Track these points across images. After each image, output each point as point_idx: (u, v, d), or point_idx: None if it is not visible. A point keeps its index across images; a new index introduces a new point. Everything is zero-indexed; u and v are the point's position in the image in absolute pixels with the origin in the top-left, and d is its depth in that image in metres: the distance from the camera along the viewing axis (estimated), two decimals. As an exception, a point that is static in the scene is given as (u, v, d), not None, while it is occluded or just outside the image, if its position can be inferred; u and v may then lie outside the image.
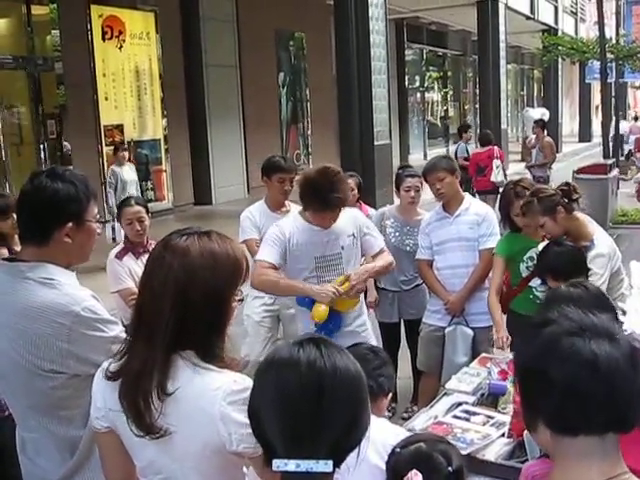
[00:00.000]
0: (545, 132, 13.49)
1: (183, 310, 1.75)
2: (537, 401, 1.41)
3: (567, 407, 1.36)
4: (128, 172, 10.04)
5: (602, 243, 3.92)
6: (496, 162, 11.33)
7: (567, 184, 4.12)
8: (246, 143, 16.04)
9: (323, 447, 1.30)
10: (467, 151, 12.66)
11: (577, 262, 3.65)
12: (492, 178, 11.15)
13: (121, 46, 13.02)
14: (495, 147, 11.87)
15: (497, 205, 5.73)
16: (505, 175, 11.44)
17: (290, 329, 4.94)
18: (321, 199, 3.68)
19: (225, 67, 15.27)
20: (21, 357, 2.18)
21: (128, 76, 13.26)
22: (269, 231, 3.96)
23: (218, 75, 14.93)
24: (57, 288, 2.18)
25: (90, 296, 2.23)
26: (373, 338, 4.23)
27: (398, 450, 2.02)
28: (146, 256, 4.27)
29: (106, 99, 12.71)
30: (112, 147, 12.74)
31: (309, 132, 18.97)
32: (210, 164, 14.89)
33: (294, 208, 4.96)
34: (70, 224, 2.23)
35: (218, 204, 14.88)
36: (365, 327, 4.15)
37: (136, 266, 4.30)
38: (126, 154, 10.28)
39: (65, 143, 12.36)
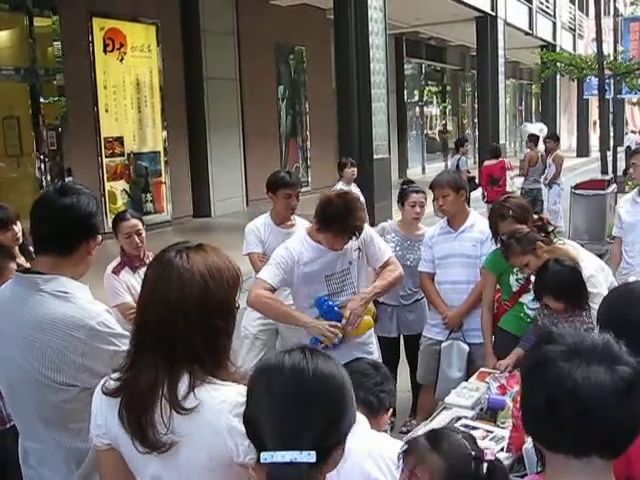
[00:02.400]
0: (538, 147, 13.73)
1: (192, 324, 1.77)
2: (525, 412, 1.48)
3: (544, 425, 1.42)
4: None
5: (589, 265, 3.94)
6: (510, 173, 12.09)
7: (540, 218, 4.20)
8: (245, 156, 16.06)
9: (307, 442, 1.37)
10: (466, 164, 12.96)
11: (578, 281, 3.66)
12: (508, 188, 11.81)
13: (122, 58, 13.07)
14: (505, 160, 12.44)
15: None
16: (528, 181, 12.63)
17: (288, 342, 4.95)
18: (342, 225, 3.71)
19: (225, 80, 15.32)
20: (33, 369, 2.20)
21: (129, 88, 13.30)
22: (277, 251, 3.94)
23: (218, 88, 14.98)
24: (72, 302, 2.22)
25: (105, 310, 2.27)
26: (377, 350, 4.27)
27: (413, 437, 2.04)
28: (144, 270, 4.30)
29: (106, 111, 12.75)
30: (112, 159, 12.84)
31: (308, 145, 19.01)
32: (209, 176, 14.92)
33: (299, 222, 5.01)
34: (99, 238, 2.32)
35: (217, 216, 14.88)
36: (372, 339, 4.19)
37: (134, 280, 4.29)
38: None
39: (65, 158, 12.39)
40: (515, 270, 4.29)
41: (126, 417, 1.78)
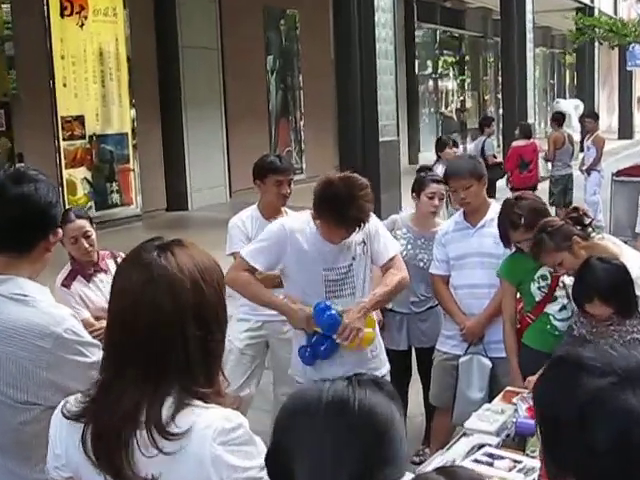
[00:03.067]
0: (564, 128, 13.86)
1: (189, 338, 1.77)
2: (570, 458, 1.42)
3: (611, 469, 1.37)
4: None
5: (634, 265, 3.93)
6: (542, 155, 12.49)
7: (575, 209, 4.22)
8: (228, 139, 16.06)
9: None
10: (493, 147, 13.07)
11: (629, 282, 3.66)
12: (542, 173, 12.37)
13: (82, 24, 13.03)
14: (535, 141, 12.75)
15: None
16: (554, 166, 12.79)
17: (281, 358, 4.95)
18: (339, 214, 3.70)
19: (204, 50, 15.31)
20: None
21: (90, 59, 13.27)
22: (272, 225, 4.03)
23: (196, 59, 14.96)
24: (33, 306, 2.22)
25: (70, 315, 2.26)
26: (385, 364, 4.25)
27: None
28: (100, 276, 4.27)
29: (64, 86, 12.72)
30: (71, 142, 12.81)
31: (302, 126, 19.01)
32: (186, 163, 14.92)
33: (292, 215, 5.00)
34: (59, 232, 2.32)
35: (195, 210, 14.90)
36: (378, 352, 4.18)
37: (88, 290, 4.27)
38: None
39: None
40: (536, 277, 4.30)
41: (93, 446, 1.76)
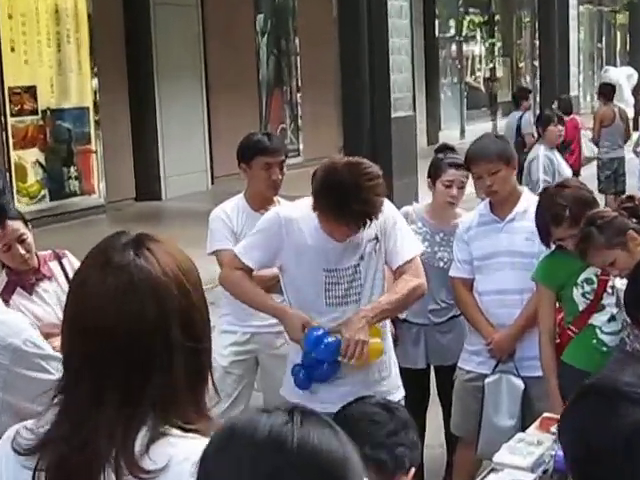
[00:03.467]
0: (614, 102, 13.87)
1: (177, 352, 1.77)
2: None
3: None
4: None
5: None
6: (586, 133, 12.56)
7: (630, 197, 4.22)
8: (210, 113, 16.08)
9: None
10: (531, 125, 13.12)
11: None
12: (587, 153, 12.42)
13: (34, -24, 13.08)
14: (576, 116, 12.89)
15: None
16: (598, 147, 12.79)
17: (273, 378, 4.95)
18: (339, 207, 3.70)
19: (181, 6, 15.34)
20: None
21: (44, 18, 13.28)
22: (267, 215, 4.09)
23: (171, 17, 15.00)
24: None
25: (29, 324, 2.27)
26: (399, 389, 4.26)
27: None
28: (44, 285, 4.23)
29: (12, 50, 12.74)
30: (21, 118, 12.80)
31: (299, 99, 19.03)
32: (159, 143, 14.96)
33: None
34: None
35: (169, 200, 14.95)
36: (389, 372, 4.18)
37: (32, 304, 4.22)
38: None
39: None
40: (580, 281, 4.30)
41: None
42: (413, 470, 2.69)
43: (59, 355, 2.24)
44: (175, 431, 1.78)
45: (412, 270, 4.10)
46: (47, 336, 3.71)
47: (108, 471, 1.73)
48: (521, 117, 13.57)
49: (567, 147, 12.11)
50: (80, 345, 1.84)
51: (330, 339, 3.80)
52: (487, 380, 4.71)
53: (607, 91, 13.91)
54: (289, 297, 4.10)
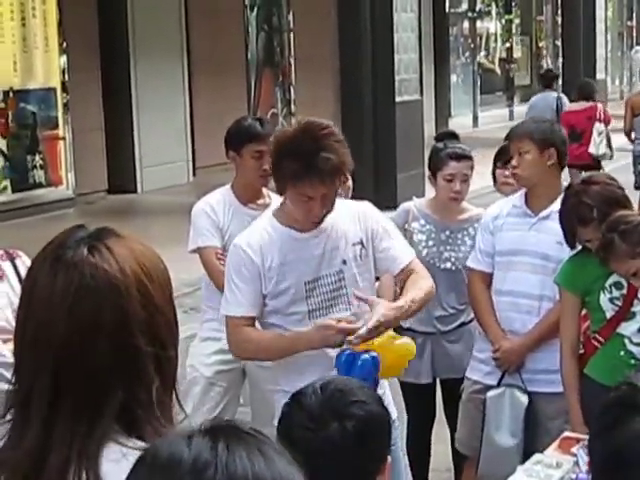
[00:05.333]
0: None
1: (134, 355, 1.78)
2: None
3: None
4: None
5: None
6: (599, 127, 12.26)
7: None
8: (192, 97, 16.10)
9: None
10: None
11: None
12: (590, 149, 12.11)
13: (-4, -61, 13.09)
14: (599, 105, 12.74)
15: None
16: (610, 146, 12.41)
17: (262, 390, 4.98)
18: (308, 162, 3.69)
19: (161, -24, 15.36)
20: None
21: (6, -13, 13.30)
22: (230, 257, 4.02)
23: (149, -12, 15.02)
24: None
25: None
26: (391, 407, 4.27)
27: None
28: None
29: (-29, 24, 12.76)
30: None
31: (292, 81, 19.05)
32: (134, 130, 14.99)
33: (276, 201, 5.03)
34: None
35: (146, 192, 14.99)
36: (381, 390, 4.20)
37: None
38: None
39: None
40: (608, 285, 4.30)
41: None
42: (389, 460, 2.68)
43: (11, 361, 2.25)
44: (142, 445, 1.76)
45: (419, 270, 4.11)
46: None
47: None
48: (558, 98, 13.69)
49: (578, 139, 12.08)
50: (29, 355, 1.84)
51: (363, 356, 3.77)
52: (489, 394, 4.72)
53: None
54: (266, 314, 4.07)
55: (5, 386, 2.22)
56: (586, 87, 13.43)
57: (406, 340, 4.03)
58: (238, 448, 1.34)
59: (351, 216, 3.99)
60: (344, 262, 3.95)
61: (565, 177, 5.61)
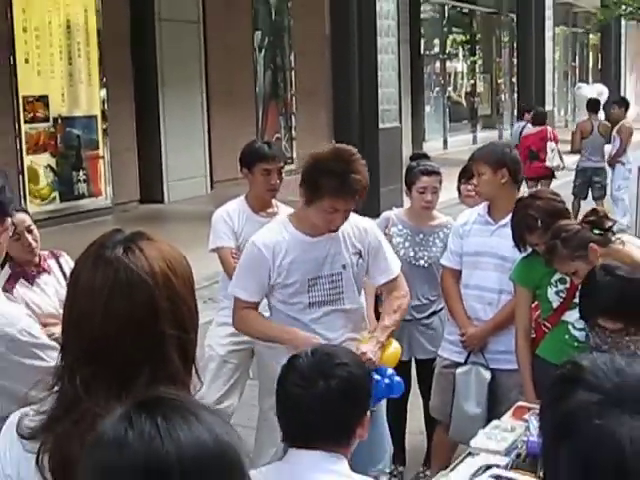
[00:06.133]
0: (599, 115, 14.03)
1: (166, 343, 1.78)
2: (550, 471, 1.44)
3: None
4: None
5: None
6: (550, 145, 12.65)
7: (594, 211, 4.21)
8: (210, 123, 16.05)
9: None
10: None
11: (637, 293, 3.66)
12: (547, 163, 12.57)
13: (48, -8, 13.06)
14: (548, 127, 13.14)
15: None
16: (561, 158, 12.77)
17: (268, 366, 4.96)
18: (343, 180, 3.69)
19: (185, 23, 15.31)
20: None
21: (56, 32, 13.26)
22: (246, 250, 4.02)
23: (175, 33, 14.97)
24: None
25: (26, 314, 2.27)
26: None
27: None
28: (43, 278, 4.23)
29: (27, 62, 12.71)
30: (33, 125, 12.78)
31: (293, 110, 19.01)
32: (162, 150, 14.92)
33: (283, 209, 5.05)
34: (8, 220, 2.32)
35: (172, 202, 14.92)
36: None
37: (33, 294, 4.21)
38: None
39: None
40: (554, 280, 4.30)
41: (53, 469, 1.75)
42: (368, 415, 2.68)
43: (54, 344, 2.23)
44: None
45: (399, 287, 4.19)
46: (45, 325, 3.73)
47: None
48: (524, 127, 13.99)
49: (536, 157, 12.60)
50: (74, 337, 1.84)
51: (395, 379, 3.90)
52: (458, 370, 4.73)
53: (594, 106, 14.00)
54: (274, 300, 4.09)
55: (39, 363, 2.20)
56: (539, 115, 13.69)
57: (395, 346, 4.07)
58: (175, 416, 1.30)
59: (356, 229, 3.99)
60: (344, 267, 3.96)
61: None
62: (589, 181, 13.07)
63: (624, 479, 1.31)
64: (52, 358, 2.18)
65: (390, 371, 3.95)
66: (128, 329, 1.76)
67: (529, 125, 13.84)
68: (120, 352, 1.76)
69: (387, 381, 3.90)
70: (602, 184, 13.14)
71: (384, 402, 4.28)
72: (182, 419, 1.30)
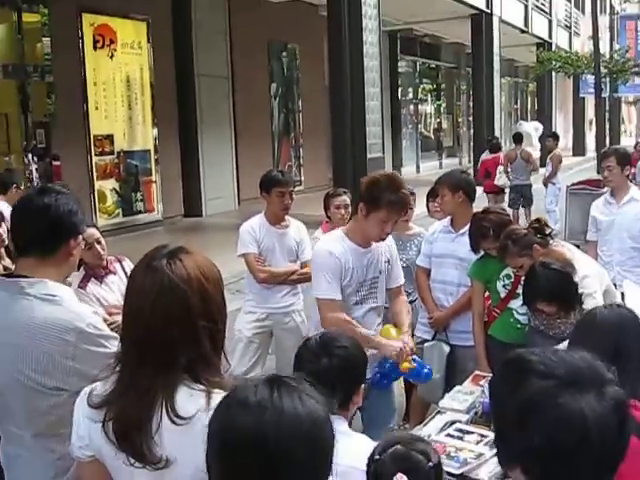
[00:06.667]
0: (524, 146, 14.28)
1: (199, 333, 1.77)
2: (514, 453, 1.38)
3: (551, 470, 1.32)
4: None
5: (583, 266, 3.93)
6: (500, 168, 13.03)
7: (537, 220, 4.19)
8: (237, 154, 16.06)
9: None
10: None
11: (568, 282, 3.66)
12: (495, 181, 12.96)
13: (112, 55, 13.05)
14: (501, 154, 13.54)
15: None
16: (509, 178, 13.14)
17: (283, 345, 4.96)
18: (398, 197, 3.63)
19: (217, 77, 15.31)
20: (22, 374, 2.19)
21: (119, 85, 13.28)
22: (321, 258, 3.77)
23: (210, 85, 14.97)
24: (60, 304, 2.22)
25: (92, 312, 2.27)
26: None
27: (377, 457, 2.05)
28: (110, 278, 4.24)
29: (96, 108, 12.73)
30: (102, 157, 12.81)
31: (301, 144, 19.01)
32: (200, 175, 14.91)
33: (293, 222, 5.05)
34: (80, 237, 2.31)
35: (208, 216, 14.88)
36: None
37: (102, 290, 4.21)
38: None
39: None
40: (502, 276, 4.29)
41: (115, 430, 1.75)
42: (362, 388, 2.65)
43: (115, 334, 2.23)
44: (203, 387, 1.77)
45: (402, 292, 4.14)
46: (110, 314, 3.72)
47: (157, 418, 1.73)
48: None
49: (490, 176, 13.07)
50: (129, 329, 1.84)
51: (389, 364, 3.75)
52: (425, 345, 4.70)
53: (517, 138, 14.14)
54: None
55: (103, 350, 2.18)
56: (494, 145, 14.13)
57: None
58: (285, 393, 1.39)
59: (385, 243, 3.89)
60: (380, 272, 3.87)
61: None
62: (520, 195, 13.24)
63: (589, 447, 1.28)
64: (114, 346, 2.18)
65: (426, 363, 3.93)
66: (169, 322, 1.76)
67: (487, 152, 14.01)
68: (162, 341, 1.76)
69: (426, 370, 3.84)
70: (528, 196, 13.33)
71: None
72: (289, 396, 1.39)
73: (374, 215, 3.65)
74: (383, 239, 3.81)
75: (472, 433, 3.10)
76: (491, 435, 3.09)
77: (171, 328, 1.75)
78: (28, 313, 2.20)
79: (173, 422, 1.72)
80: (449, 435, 3.10)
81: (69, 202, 2.33)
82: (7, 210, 6.33)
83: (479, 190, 13.36)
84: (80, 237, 2.35)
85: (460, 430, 3.14)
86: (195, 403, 1.74)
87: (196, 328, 1.76)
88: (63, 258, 2.32)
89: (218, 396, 1.75)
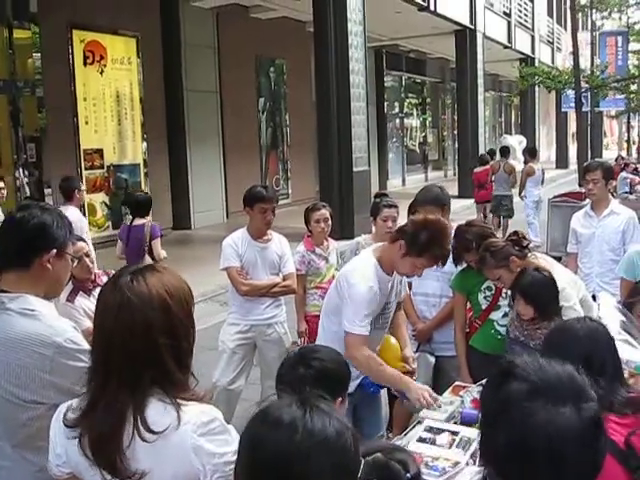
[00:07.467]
0: (509, 159, 14.73)
1: (160, 349, 1.77)
2: (487, 453, 1.44)
3: (508, 469, 1.38)
4: None
5: (561, 278, 3.94)
6: (494, 177, 13.98)
7: (515, 233, 4.18)
8: (225, 168, 16.07)
9: None
10: None
11: (551, 288, 3.70)
12: (494, 192, 13.89)
13: (102, 71, 13.05)
14: (490, 167, 14.24)
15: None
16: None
17: (266, 356, 4.97)
18: (440, 253, 3.53)
19: (205, 92, 15.33)
20: (1, 388, 2.20)
21: (109, 100, 13.29)
22: (363, 294, 3.58)
23: (198, 100, 14.99)
24: (39, 319, 2.22)
25: (71, 327, 2.27)
26: None
27: None
28: (98, 290, 4.20)
29: (86, 123, 12.72)
30: (92, 171, 12.79)
31: (288, 157, 19.04)
32: (189, 189, 14.91)
33: (275, 236, 5.04)
34: (53, 251, 2.30)
35: (197, 229, 14.87)
36: None
37: (90, 303, 4.18)
38: None
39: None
40: (483, 288, 4.29)
41: (90, 446, 1.76)
42: (341, 400, 2.64)
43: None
44: (177, 401, 1.78)
45: (401, 306, 4.18)
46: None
47: (130, 433, 1.73)
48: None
49: (482, 186, 14.04)
50: (96, 345, 1.86)
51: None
52: None
53: (504, 151, 14.78)
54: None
55: (80, 364, 2.18)
56: (483, 158, 15.02)
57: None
58: (315, 413, 1.41)
59: None
60: (396, 295, 3.87)
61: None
62: (499, 203, 13.83)
63: (552, 457, 1.32)
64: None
65: None
66: (130, 338, 1.76)
67: (478, 165, 14.74)
68: (125, 357, 1.76)
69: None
70: (508, 207, 13.83)
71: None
72: (318, 416, 1.41)
73: (412, 259, 3.54)
74: (408, 277, 3.81)
75: (443, 431, 3.11)
76: (462, 431, 3.11)
77: (132, 344, 1.76)
78: (7, 327, 2.20)
79: (142, 437, 1.72)
80: (421, 439, 3.10)
81: (42, 216, 2.32)
82: (78, 216, 7.18)
83: (470, 201, 13.76)
84: (54, 251, 2.32)
85: (431, 429, 3.15)
86: (169, 416, 1.75)
87: (157, 345, 1.76)
88: (38, 272, 2.30)
89: (190, 409, 1.76)
